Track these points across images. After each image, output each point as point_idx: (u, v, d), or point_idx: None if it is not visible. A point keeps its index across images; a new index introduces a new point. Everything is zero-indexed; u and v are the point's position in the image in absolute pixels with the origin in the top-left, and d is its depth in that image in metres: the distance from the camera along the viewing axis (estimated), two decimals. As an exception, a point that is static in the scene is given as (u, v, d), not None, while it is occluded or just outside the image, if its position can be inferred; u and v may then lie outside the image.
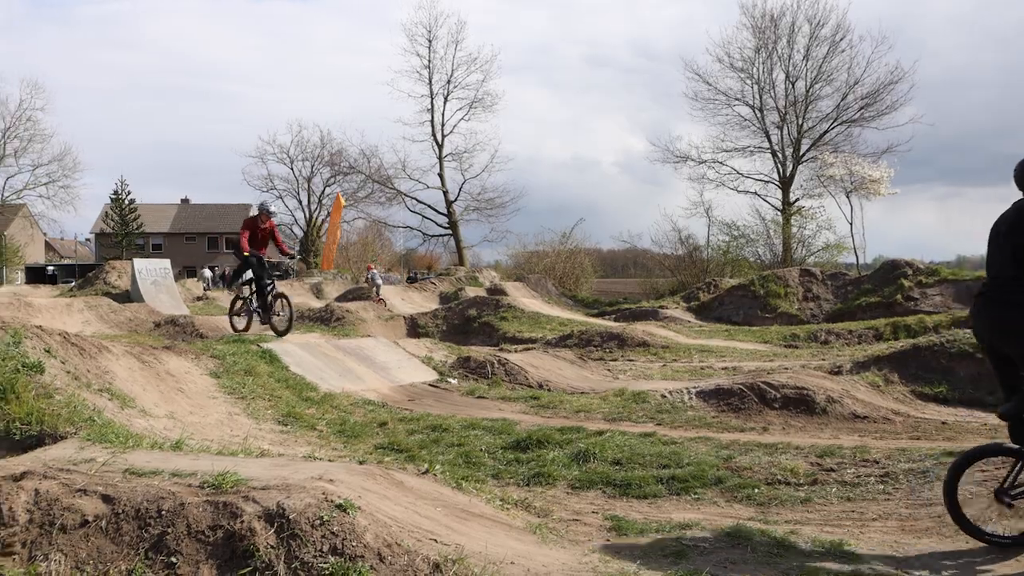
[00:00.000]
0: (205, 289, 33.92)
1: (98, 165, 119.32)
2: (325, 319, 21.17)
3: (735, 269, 40.31)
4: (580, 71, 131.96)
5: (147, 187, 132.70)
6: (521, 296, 30.95)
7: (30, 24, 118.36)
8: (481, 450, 6.65)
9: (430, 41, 52.32)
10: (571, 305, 35.77)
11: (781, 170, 45.94)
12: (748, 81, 46.13)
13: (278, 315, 11.45)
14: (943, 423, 7.80)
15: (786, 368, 11.31)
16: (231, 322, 12.39)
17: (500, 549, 3.63)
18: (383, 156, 59.90)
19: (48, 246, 75.73)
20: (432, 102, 53.13)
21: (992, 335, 4.13)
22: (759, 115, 46.10)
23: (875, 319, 21.02)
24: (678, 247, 45.35)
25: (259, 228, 11.49)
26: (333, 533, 3.12)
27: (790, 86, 45.45)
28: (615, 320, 25.59)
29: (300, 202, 62.99)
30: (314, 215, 62.50)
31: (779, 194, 45.75)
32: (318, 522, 3.15)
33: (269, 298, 11.47)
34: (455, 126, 53.88)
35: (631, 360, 14.91)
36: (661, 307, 28.30)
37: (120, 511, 3.24)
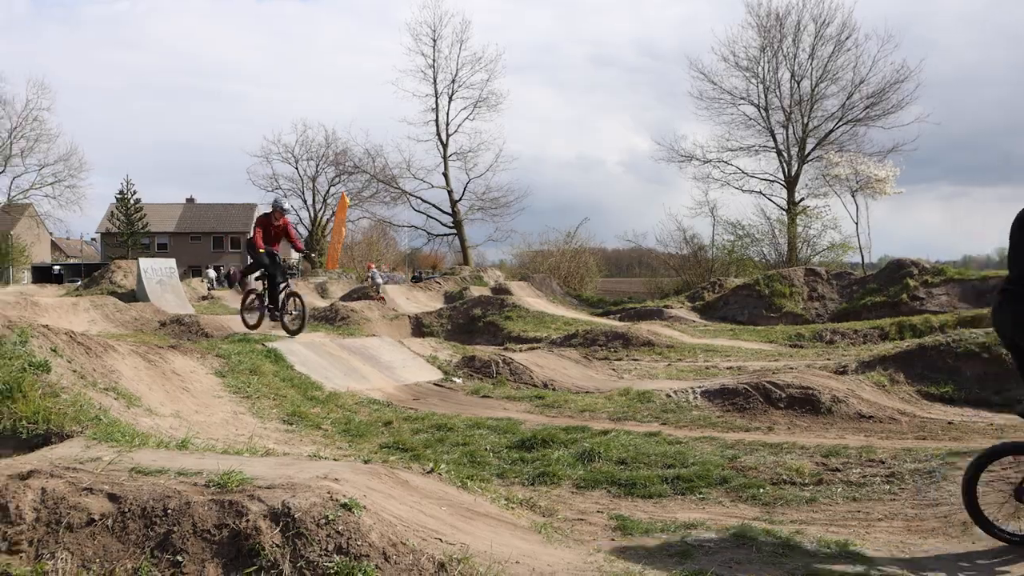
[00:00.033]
0: (209, 289, 34.00)
1: (103, 165, 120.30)
2: (330, 318, 21.21)
3: (740, 269, 40.22)
4: (585, 70, 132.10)
5: (152, 187, 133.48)
6: (526, 295, 30.94)
7: (35, 24, 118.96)
8: (486, 449, 6.65)
9: (435, 40, 52.42)
10: (576, 304, 35.75)
11: (786, 169, 45.85)
12: (753, 80, 46.09)
13: (291, 314, 11.35)
14: (949, 423, 7.76)
15: (791, 368, 11.28)
16: (242, 318, 12.31)
17: (505, 548, 3.63)
18: (388, 155, 60.13)
19: (54, 246, 76.03)
20: (437, 101, 53.22)
21: (1015, 331, 4.11)
22: (764, 114, 46.05)
23: (880, 319, 20.96)
24: (683, 246, 45.35)
25: (273, 225, 11.40)
26: (338, 532, 3.12)
27: (795, 85, 45.38)
28: (620, 320, 25.57)
29: (305, 202, 63.19)
30: (319, 214, 62.66)
31: (784, 193, 45.68)
32: (323, 521, 3.15)
33: (282, 297, 11.37)
34: (460, 125, 53.99)
35: (636, 360, 14.89)
36: (666, 306, 28.26)
37: (126, 510, 3.25)
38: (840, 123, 44.92)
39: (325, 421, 7.64)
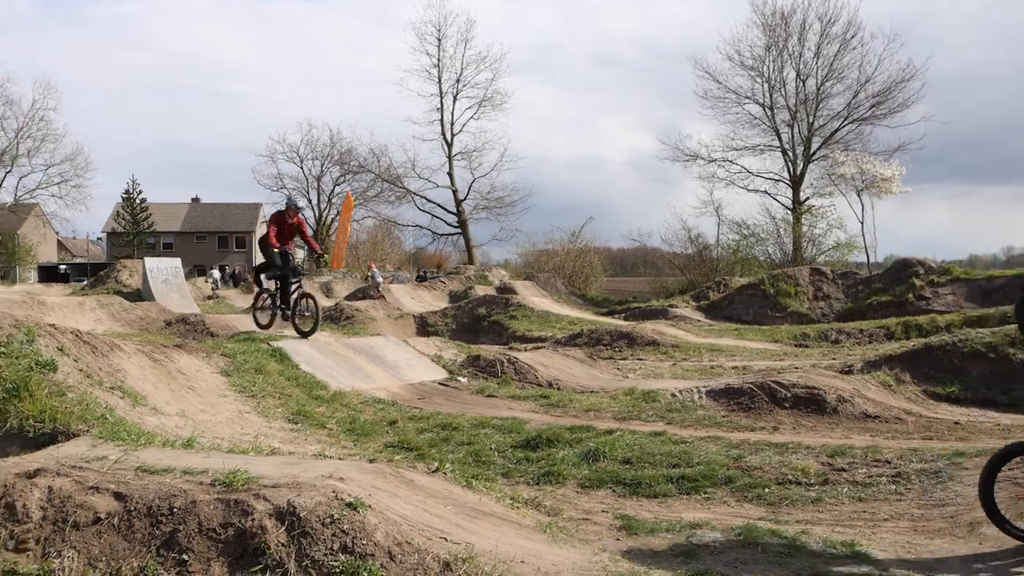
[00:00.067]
0: (214, 288, 34.06)
1: (109, 164, 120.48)
2: (335, 318, 21.23)
3: (745, 268, 40.16)
4: (588, 70, 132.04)
5: (158, 186, 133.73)
6: (531, 295, 30.94)
7: (40, 24, 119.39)
8: (491, 449, 6.65)
9: (439, 40, 52.39)
10: (581, 304, 35.73)
11: (791, 169, 45.75)
12: (758, 79, 45.99)
13: (303, 315, 11.22)
14: (955, 423, 7.74)
15: (796, 367, 11.25)
16: (254, 318, 12.19)
17: (510, 548, 3.63)
18: (393, 155, 60.07)
19: (60, 245, 76.26)
20: (442, 101, 53.20)
21: None
22: (769, 113, 45.96)
23: (886, 318, 20.91)
24: (688, 246, 45.29)
25: (286, 223, 11.24)
26: (344, 531, 3.13)
27: (801, 84, 45.26)
28: (625, 319, 25.55)
29: (310, 201, 63.22)
30: (324, 214, 62.72)
31: (789, 193, 45.59)
32: (329, 520, 3.15)
33: (294, 296, 11.24)
34: (464, 125, 53.97)
35: (641, 359, 14.88)
36: (671, 306, 28.24)
37: (132, 508, 3.26)
38: (845, 122, 44.85)
39: (330, 420, 7.65)
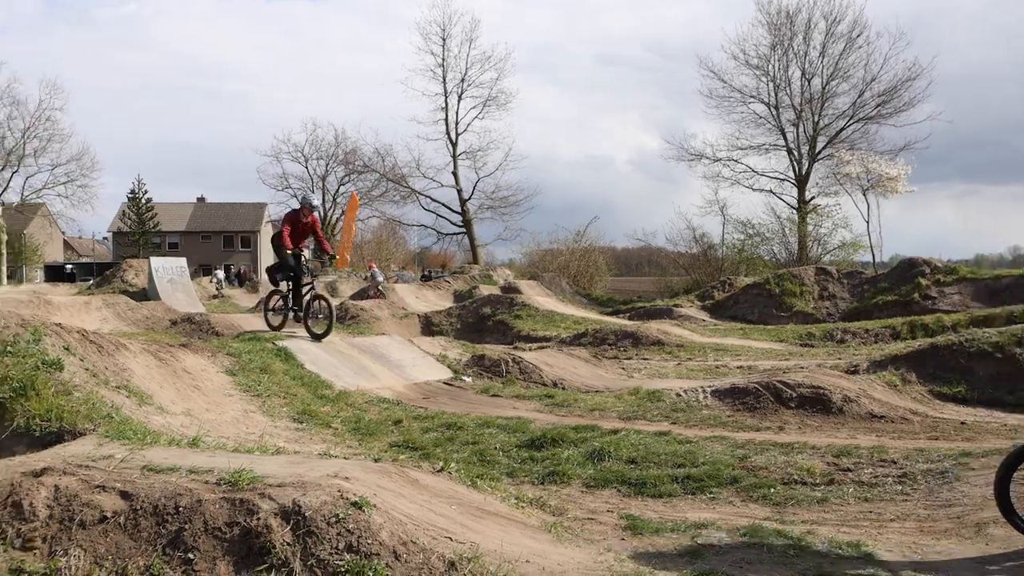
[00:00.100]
0: (218, 288, 34.12)
1: (114, 165, 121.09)
2: (340, 317, 21.20)
3: (750, 267, 40.09)
4: (590, 70, 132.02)
5: (163, 186, 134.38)
6: (535, 294, 30.93)
7: (44, 24, 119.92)
8: (496, 448, 6.65)
9: (444, 39, 52.43)
10: (585, 303, 35.70)
11: (797, 168, 45.63)
12: (763, 78, 45.86)
13: (315, 317, 11.02)
14: (962, 423, 7.71)
15: (802, 367, 11.23)
16: (266, 319, 11.99)
17: (515, 547, 3.63)
18: (397, 155, 59.95)
19: (66, 245, 76.59)
20: (446, 100, 53.25)
21: None
22: (774, 112, 45.82)
23: (892, 318, 20.84)
24: (693, 245, 45.21)
25: (301, 222, 11.07)
26: (349, 531, 3.13)
27: (806, 83, 45.12)
28: (629, 318, 25.52)
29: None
30: (329, 214, 62.79)
31: (795, 192, 45.46)
32: (334, 520, 3.16)
33: (307, 298, 11.06)
34: (469, 124, 53.97)
35: (646, 359, 14.86)
36: (676, 305, 28.19)
37: (138, 507, 3.27)
38: (851, 121, 44.67)
39: (335, 420, 7.66)
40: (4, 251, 51.77)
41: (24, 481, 3.40)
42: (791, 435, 7.32)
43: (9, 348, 5.85)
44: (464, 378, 10.85)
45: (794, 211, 43.94)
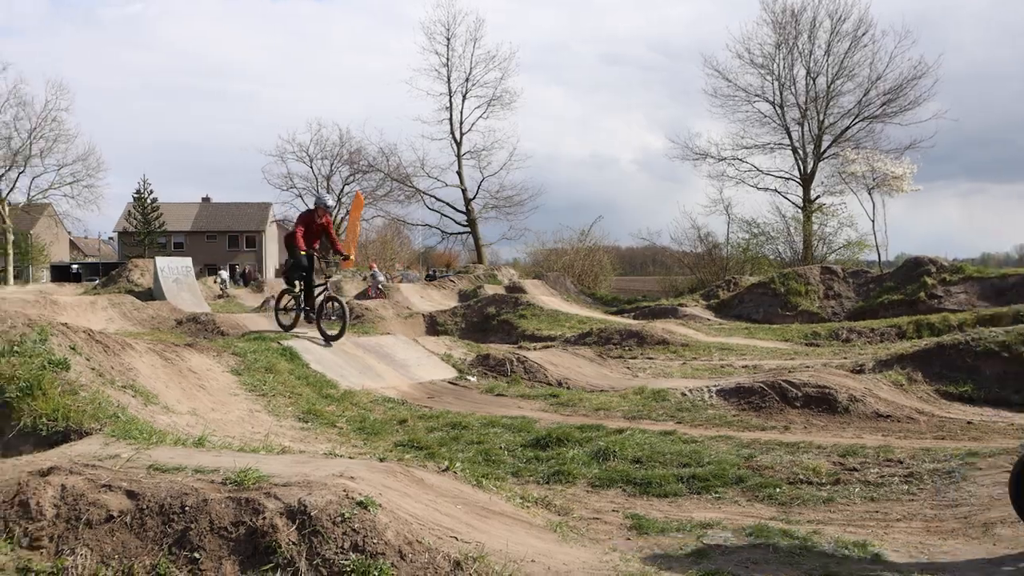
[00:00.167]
0: (222, 289, 34.19)
1: (119, 164, 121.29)
2: (344, 317, 21.24)
3: (755, 267, 39.98)
4: (594, 69, 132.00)
5: (169, 186, 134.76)
6: (540, 294, 30.91)
7: (49, 24, 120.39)
8: (501, 448, 6.65)
9: (448, 39, 52.35)
10: (590, 303, 35.67)
11: (802, 167, 45.50)
12: (768, 77, 45.71)
13: (329, 319, 10.89)
14: (969, 423, 7.68)
15: (807, 367, 11.20)
16: (277, 320, 11.83)
17: (520, 547, 3.63)
18: (402, 154, 60.15)
19: (72, 245, 76.84)
20: (451, 100, 53.13)
21: None
22: (779, 111, 45.69)
23: (898, 317, 20.77)
24: (697, 245, 45.11)
25: (315, 223, 10.94)
26: (354, 530, 3.13)
27: (811, 82, 44.97)
28: (634, 318, 25.47)
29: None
30: (334, 213, 62.83)
31: (800, 191, 45.33)
32: (339, 519, 3.16)
33: (320, 299, 10.94)
34: (474, 124, 53.86)
35: (651, 358, 14.84)
36: (680, 305, 28.14)
37: (144, 507, 3.28)
38: (856, 120, 44.52)
39: (340, 419, 7.67)
40: (11, 251, 52.02)
41: (31, 480, 3.41)
42: (797, 435, 7.30)
43: (16, 348, 5.87)
44: (469, 377, 10.85)
45: (799, 210, 43.81)
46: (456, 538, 3.45)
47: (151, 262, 28.00)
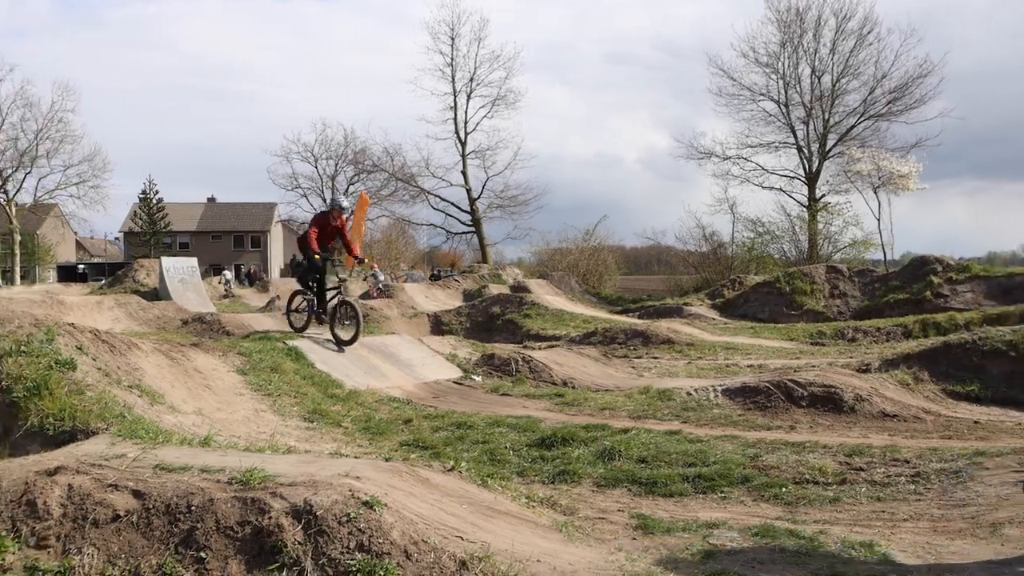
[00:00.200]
0: (227, 289, 34.27)
1: (125, 165, 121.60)
2: (349, 316, 21.28)
3: (760, 266, 39.87)
4: (600, 69, 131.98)
5: (174, 186, 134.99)
6: (545, 293, 30.91)
7: (55, 25, 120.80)
8: (506, 447, 6.65)
9: (453, 39, 52.37)
10: (595, 302, 35.63)
11: (807, 166, 45.38)
12: (773, 76, 45.59)
13: (342, 323, 10.73)
14: (976, 422, 7.65)
15: (813, 366, 11.17)
16: (288, 319, 11.75)
17: (526, 547, 3.62)
18: (406, 154, 59.93)
19: (79, 245, 77.13)
20: (455, 100, 53.17)
21: None
22: (784, 110, 45.55)
23: (904, 316, 20.69)
24: (702, 244, 44.96)
25: (330, 225, 10.81)
26: (360, 530, 3.13)
27: (816, 80, 44.83)
28: (639, 317, 25.45)
29: (324, 200, 63.38)
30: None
31: (805, 190, 45.17)
32: (345, 519, 3.16)
33: (333, 303, 10.82)
34: (478, 124, 53.90)
35: (656, 357, 14.82)
36: (685, 304, 28.10)
37: (151, 506, 3.28)
38: (862, 118, 44.34)
39: (345, 419, 7.68)
40: (17, 251, 52.26)
41: (38, 480, 3.42)
42: (802, 434, 7.28)
43: (23, 348, 5.89)
44: (474, 377, 10.85)
45: (804, 209, 43.67)
46: (461, 538, 3.44)
47: (157, 262, 28.10)
